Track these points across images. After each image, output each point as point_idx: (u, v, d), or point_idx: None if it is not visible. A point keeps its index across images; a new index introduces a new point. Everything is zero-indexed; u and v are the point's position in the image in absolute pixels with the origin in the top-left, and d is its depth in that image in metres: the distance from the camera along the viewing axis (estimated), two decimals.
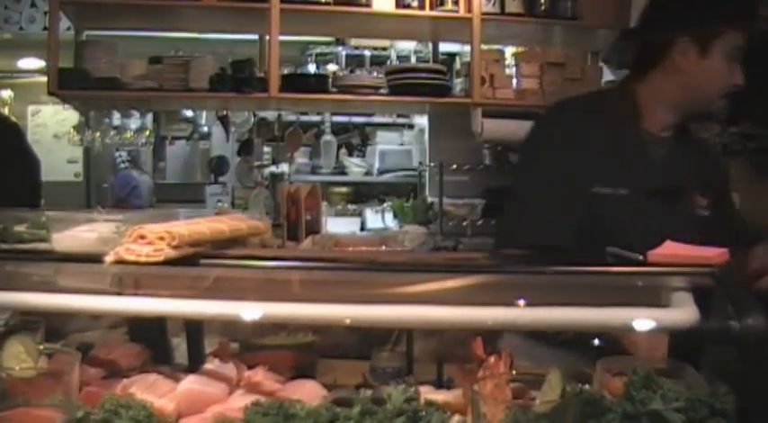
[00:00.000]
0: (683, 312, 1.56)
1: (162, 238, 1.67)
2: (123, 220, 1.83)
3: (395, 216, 7.02)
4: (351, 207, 8.52)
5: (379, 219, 7.73)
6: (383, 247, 4.95)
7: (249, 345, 2.30)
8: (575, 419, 1.29)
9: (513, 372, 1.57)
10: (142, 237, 1.68)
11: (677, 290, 1.64)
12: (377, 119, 9.02)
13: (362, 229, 7.70)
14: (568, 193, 2.49)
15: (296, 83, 5.34)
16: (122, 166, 8.51)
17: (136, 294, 1.79)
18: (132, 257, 1.65)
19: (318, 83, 5.42)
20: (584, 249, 2.31)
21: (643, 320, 1.58)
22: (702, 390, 1.60)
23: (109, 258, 1.66)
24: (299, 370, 2.08)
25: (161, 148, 9.29)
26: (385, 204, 7.92)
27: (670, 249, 1.74)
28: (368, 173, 8.91)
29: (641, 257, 1.73)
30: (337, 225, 6.89)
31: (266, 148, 8.10)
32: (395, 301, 1.63)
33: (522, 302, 1.62)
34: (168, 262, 1.66)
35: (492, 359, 1.62)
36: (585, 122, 2.61)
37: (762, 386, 1.44)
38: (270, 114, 7.53)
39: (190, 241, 1.72)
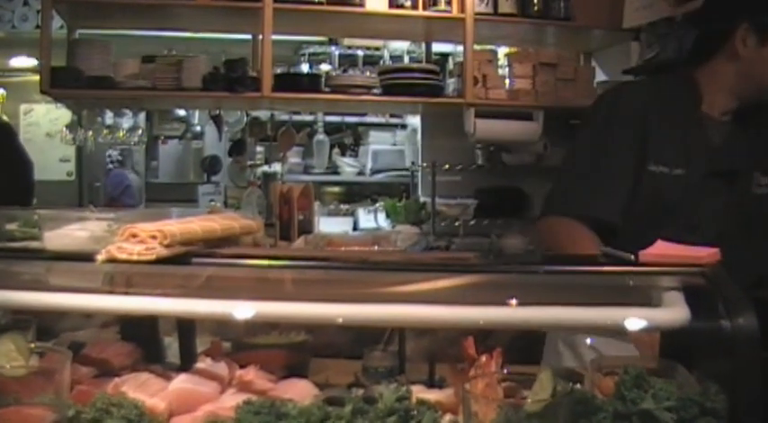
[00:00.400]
0: (674, 312, 1.56)
1: (154, 237, 1.67)
2: (115, 219, 1.83)
3: (387, 216, 7.02)
4: (343, 207, 8.52)
5: (371, 218, 7.73)
6: (376, 247, 4.96)
7: (241, 344, 2.30)
8: (566, 418, 1.29)
9: (505, 371, 1.57)
10: (134, 235, 1.68)
11: (668, 289, 1.65)
12: (370, 119, 9.01)
13: (355, 228, 7.70)
14: (624, 169, 2.57)
15: (289, 82, 5.33)
16: (110, 166, 8.50)
17: (127, 293, 1.79)
18: (124, 256, 1.65)
19: (311, 82, 5.42)
20: (639, 227, 2.37)
21: (634, 320, 1.58)
22: (693, 389, 1.61)
23: (100, 257, 1.66)
24: (291, 369, 2.08)
25: (153, 147, 9.27)
26: (377, 204, 7.92)
27: (661, 249, 1.75)
28: (360, 173, 8.91)
29: (632, 257, 1.73)
30: (330, 225, 6.89)
31: (259, 148, 8.09)
32: (387, 301, 1.62)
33: (513, 302, 1.62)
34: (160, 261, 1.66)
35: (483, 358, 1.62)
36: (647, 103, 2.66)
37: (752, 385, 1.44)
38: (263, 114, 7.53)
39: (182, 240, 1.72)
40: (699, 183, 2.54)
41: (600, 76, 6.09)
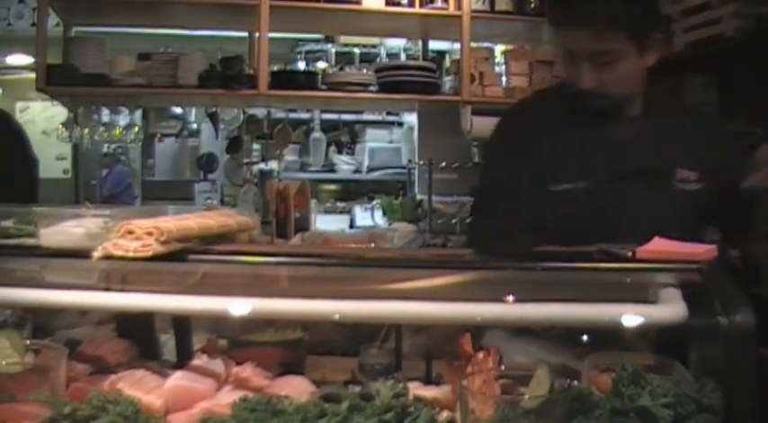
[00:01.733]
0: (671, 308, 1.56)
1: (150, 234, 1.67)
2: (111, 216, 1.82)
3: (384, 214, 7.02)
4: (340, 204, 8.53)
5: (368, 216, 7.73)
6: (372, 245, 4.96)
7: (237, 341, 2.29)
8: (563, 414, 1.29)
9: (502, 367, 1.57)
10: (130, 232, 1.67)
11: (665, 286, 1.65)
12: (366, 116, 9.01)
13: (351, 226, 7.70)
14: (526, 189, 2.58)
15: (285, 80, 5.33)
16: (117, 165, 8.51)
17: (124, 290, 1.78)
18: (120, 253, 1.65)
19: (308, 80, 5.41)
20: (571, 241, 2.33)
21: (631, 316, 1.58)
22: (690, 385, 1.61)
23: (96, 254, 1.65)
24: (288, 366, 2.08)
25: (150, 145, 9.26)
26: (374, 202, 7.92)
27: (658, 246, 1.75)
28: (357, 170, 8.90)
29: (629, 254, 1.73)
30: (326, 223, 6.89)
31: (255, 146, 8.09)
32: (383, 298, 1.62)
33: (510, 298, 1.62)
34: (156, 257, 1.66)
35: (480, 355, 1.62)
36: (533, 125, 2.66)
37: (748, 382, 1.44)
38: (259, 111, 7.52)
39: (178, 237, 1.72)
40: (609, 188, 2.51)
41: None
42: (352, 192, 9.07)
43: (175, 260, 1.71)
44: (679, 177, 2.51)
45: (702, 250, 1.69)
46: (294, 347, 2.28)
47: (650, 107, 2.60)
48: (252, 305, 1.66)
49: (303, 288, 1.88)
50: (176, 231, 1.71)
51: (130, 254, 1.64)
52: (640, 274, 1.72)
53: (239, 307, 1.67)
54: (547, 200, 2.53)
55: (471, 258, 1.80)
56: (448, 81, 5.63)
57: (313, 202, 7.22)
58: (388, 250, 2.13)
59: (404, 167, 7.65)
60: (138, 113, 6.75)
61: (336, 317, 1.68)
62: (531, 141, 2.59)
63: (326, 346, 2.40)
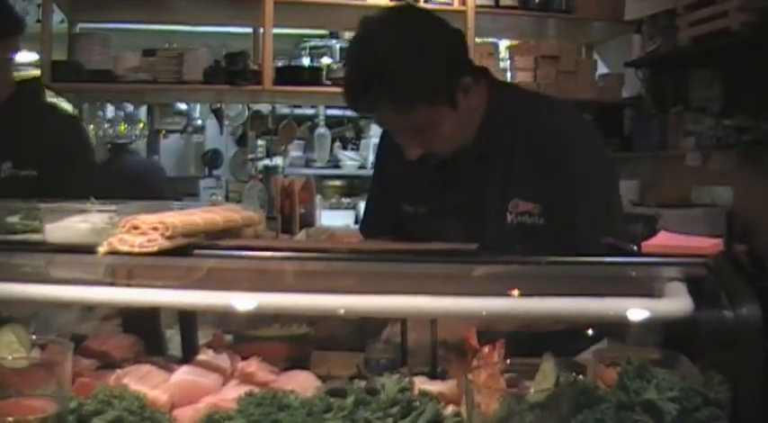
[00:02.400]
0: (677, 302, 1.55)
1: (155, 229, 1.67)
2: (117, 211, 1.82)
3: None
4: (345, 200, 8.52)
5: None
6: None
7: (243, 336, 2.29)
8: (569, 408, 1.28)
9: (507, 361, 1.56)
10: (135, 227, 1.67)
11: (671, 280, 1.64)
12: None
13: (356, 222, 7.69)
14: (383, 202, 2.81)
15: (290, 76, 5.34)
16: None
17: (129, 285, 1.79)
18: (125, 248, 1.65)
19: (312, 76, 5.43)
20: None
21: (636, 311, 1.58)
22: (697, 379, 1.61)
23: (102, 249, 1.66)
24: (293, 361, 2.07)
25: (155, 141, 9.25)
26: None
27: (664, 240, 1.74)
28: (362, 166, 8.89)
29: (635, 248, 1.73)
30: (331, 218, 6.89)
31: (260, 142, 8.08)
32: (388, 291, 1.62)
33: (515, 293, 1.62)
34: (162, 253, 1.66)
35: (486, 349, 1.61)
36: (389, 146, 2.66)
37: (755, 376, 1.43)
38: (264, 107, 7.53)
39: (183, 232, 1.72)
40: (442, 218, 2.54)
41: (602, 69, 6.10)
42: (357, 187, 9.05)
43: (181, 255, 1.71)
44: (517, 210, 2.44)
45: (709, 244, 1.69)
46: (300, 342, 2.28)
47: (486, 143, 2.51)
48: (257, 300, 1.67)
49: (308, 282, 1.88)
50: (182, 226, 1.71)
51: (136, 249, 1.64)
52: (646, 268, 1.72)
53: (244, 302, 1.68)
54: (400, 217, 2.68)
55: (476, 252, 1.79)
56: None
57: (318, 198, 7.22)
58: (392, 244, 2.12)
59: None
60: (143, 109, 6.76)
61: (342, 311, 1.68)
62: (394, 157, 2.60)
63: (332, 341, 2.40)
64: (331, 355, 2.32)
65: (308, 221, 5.34)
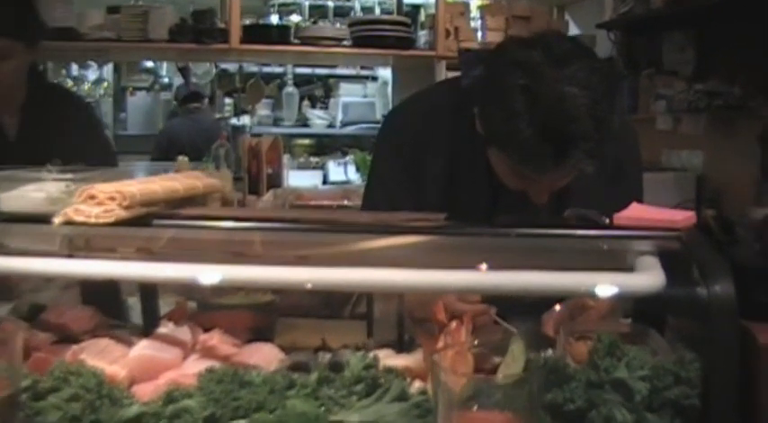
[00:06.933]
0: (648, 277, 1.52)
1: (112, 199, 1.61)
2: (73, 179, 1.76)
3: (357, 169, 6.98)
4: (313, 159, 8.49)
5: (341, 171, 7.71)
6: (345, 202, 4.91)
7: (206, 304, 2.24)
8: (537, 391, 1.25)
9: (476, 342, 1.53)
10: (92, 197, 1.62)
11: (643, 254, 1.61)
12: (340, 71, 8.96)
13: (325, 182, 7.67)
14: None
15: (257, 34, 5.25)
16: None
17: (87, 256, 1.73)
18: (81, 218, 1.59)
19: (280, 34, 5.34)
20: None
21: (608, 285, 1.54)
22: (667, 354, 1.58)
23: (57, 220, 1.60)
24: (258, 330, 2.04)
25: (122, 98, 9.15)
26: (348, 157, 7.88)
27: (637, 212, 1.70)
28: (331, 125, 8.87)
29: (606, 220, 1.69)
30: (299, 178, 6.84)
31: (228, 100, 8.01)
32: (354, 264, 1.57)
33: (483, 266, 1.57)
34: (119, 223, 1.60)
35: (453, 324, 1.58)
36: (419, 136, 2.38)
37: (728, 353, 1.40)
38: (231, 65, 7.44)
39: (142, 201, 1.66)
40: None
41: (573, 30, 6.06)
42: (327, 146, 9.04)
43: (139, 225, 1.66)
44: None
45: (682, 217, 1.65)
46: (265, 310, 2.23)
47: None
48: (218, 273, 1.61)
49: (271, 253, 1.84)
50: (140, 196, 1.66)
51: (92, 220, 1.58)
52: (618, 241, 1.68)
53: (204, 274, 1.62)
54: None
55: (445, 224, 1.75)
56: (423, 36, 5.55)
57: (286, 157, 7.16)
58: (359, 214, 2.07)
59: (378, 122, 7.58)
60: (108, 68, 6.65)
61: (305, 285, 1.62)
62: (435, 159, 2.31)
63: (298, 308, 2.36)
64: (297, 322, 2.28)
65: (275, 182, 5.30)
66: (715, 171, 4.95)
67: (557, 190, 2.10)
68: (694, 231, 1.63)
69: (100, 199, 1.61)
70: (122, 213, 1.61)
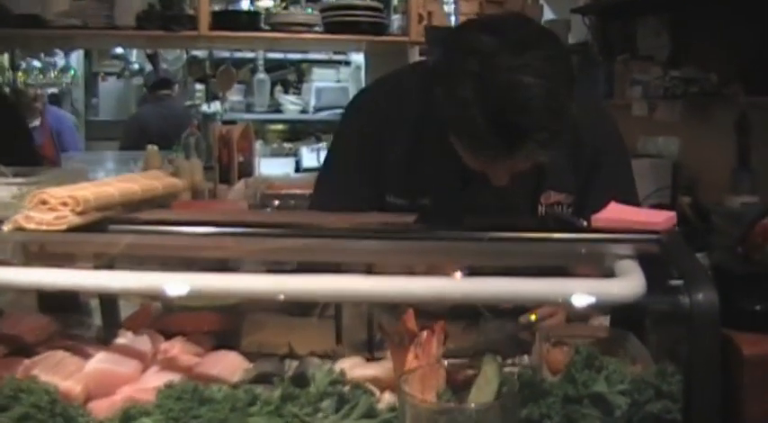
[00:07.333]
0: (628, 284, 1.44)
1: (65, 204, 1.53)
2: (26, 183, 1.68)
3: None
4: (287, 145, 8.43)
5: (314, 158, 7.64)
6: None
7: (171, 306, 2.17)
8: (512, 416, 1.17)
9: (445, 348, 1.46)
10: (43, 202, 1.54)
11: (622, 258, 1.54)
12: (313, 55, 8.88)
13: (298, 168, 7.60)
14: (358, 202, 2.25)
15: (227, 20, 5.15)
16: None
17: (39, 265, 1.65)
18: (32, 226, 1.51)
19: (250, 20, 5.25)
20: None
21: (585, 293, 1.47)
22: (647, 365, 1.52)
23: (6, 227, 1.51)
24: (225, 332, 1.98)
25: (93, 84, 9.04)
26: (321, 143, 7.81)
27: (615, 213, 1.64)
28: (304, 111, 8.80)
29: (584, 222, 1.62)
30: (272, 166, 6.78)
31: (198, 86, 7.91)
32: (320, 270, 1.49)
33: (457, 275, 1.51)
34: (72, 229, 1.52)
35: (425, 334, 1.50)
36: (383, 119, 2.32)
37: (710, 362, 1.34)
38: (202, 52, 7.34)
39: (97, 205, 1.59)
40: (451, 214, 2.17)
41: (548, 15, 6.00)
42: (300, 132, 8.97)
43: (94, 231, 1.58)
44: (548, 202, 2.21)
45: (662, 219, 1.58)
46: (231, 312, 2.17)
47: None
48: (177, 281, 1.52)
49: (234, 261, 1.77)
50: (94, 200, 1.58)
51: (44, 227, 1.51)
52: (596, 244, 1.61)
53: (162, 283, 1.54)
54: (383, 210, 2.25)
55: (417, 228, 1.68)
56: (396, 20, 5.47)
57: (259, 144, 7.08)
58: (328, 217, 1.99)
59: None
60: (75, 55, 6.54)
61: (281, 297, 1.54)
62: (390, 142, 2.26)
63: (267, 305, 2.29)
64: (265, 319, 2.22)
65: (247, 170, 5.22)
66: (691, 158, 4.91)
67: (532, 172, 2.04)
68: (675, 234, 1.56)
69: (52, 204, 1.53)
70: (76, 219, 1.53)
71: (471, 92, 1.79)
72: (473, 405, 1.12)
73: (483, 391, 1.15)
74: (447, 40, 2.02)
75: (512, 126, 1.79)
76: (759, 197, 3.98)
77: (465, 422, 1.08)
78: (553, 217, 1.78)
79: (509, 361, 1.77)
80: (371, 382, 1.58)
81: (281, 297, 1.51)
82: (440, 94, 1.90)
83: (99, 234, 1.60)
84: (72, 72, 5.56)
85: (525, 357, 1.78)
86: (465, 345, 1.88)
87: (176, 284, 1.53)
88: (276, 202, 4.58)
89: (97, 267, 1.67)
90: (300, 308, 2.24)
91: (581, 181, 2.21)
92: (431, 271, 1.68)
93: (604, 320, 1.90)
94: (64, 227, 1.51)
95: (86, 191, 1.59)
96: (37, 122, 7.11)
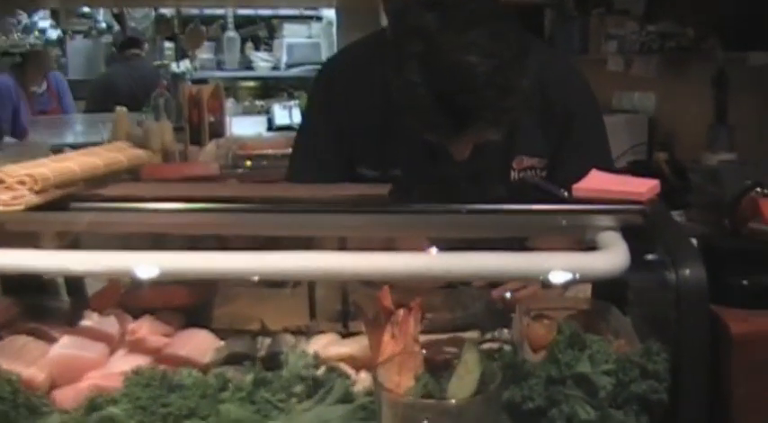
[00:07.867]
0: (611, 257, 1.40)
1: (22, 183, 1.47)
2: None
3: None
4: (258, 103, 8.31)
5: (287, 115, 7.54)
6: (289, 150, 4.75)
7: (139, 281, 2.10)
8: (494, 408, 1.12)
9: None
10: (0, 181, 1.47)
11: (605, 230, 1.49)
12: (283, 11, 8.74)
13: (270, 127, 7.50)
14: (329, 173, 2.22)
15: None
16: None
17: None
18: None
19: None
20: None
21: (568, 266, 1.41)
22: (631, 340, 1.47)
23: None
24: (195, 306, 1.91)
25: (62, 43, 8.88)
26: (293, 100, 7.72)
27: (596, 182, 1.58)
28: (275, 67, 8.68)
29: (565, 193, 1.56)
30: (243, 125, 6.68)
31: (168, 44, 7.76)
32: (290, 247, 1.44)
33: (433, 250, 1.45)
34: (31, 209, 1.45)
35: (401, 313, 1.44)
36: (350, 83, 2.29)
37: (697, 345, 1.29)
38: (169, 10, 7.20)
39: (56, 183, 1.52)
40: (423, 186, 2.12)
41: None
42: (272, 88, 8.85)
43: (55, 209, 1.51)
44: (521, 167, 2.15)
45: (646, 188, 1.53)
46: (203, 285, 2.10)
47: None
48: (143, 260, 1.46)
49: (201, 238, 1.71)
50: (54, 177, 1.51)
51: (0, 208, 1.44)
52: (578, 216, 1.56)
53: (127, 263, 1.47)
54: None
55: (388, 200, 1.61)
56: None
57: (230, 102, 6.97)
58: (298, 188, 1.93)
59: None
60: (40, 16, 6.39)
61: (256, 278, 1.48)
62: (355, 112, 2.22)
63: (237, 281, 2.23)
64: (237, 291, 2.15)
65: (218, 131, 5.14)
66: (667, 114, 4.87)
67: (502, 139, 1.95)
68: (660, 204, 1.51)
69: (8, 183, 1.47)
70: (34, 199, 1.47)
71: (417, 73, 1.75)
72: (453, 401, 1.07)
73: (464, 380, 1.09)
74: (393, 18, 1.98)
75: (458, 106, 1.74)
76: (736, 154, 3.94)
77: (446, 417, 1.02)
78: (530, 185, 1.72)
79: (488, 335, 1.72)
80: (347, 361, 1.54)
81: (255, 278, 1.46)
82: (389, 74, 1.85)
83: (60, 212, 1.54)
84: (36, 33, 5.44)
85: (505, 331, 1.72)
86: (443, 316, 1.83)
87: (143, 265, 1.46)
88: (248, 163, 4.51)
89: (60, 247, 1.60)
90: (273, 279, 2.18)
91: (553, 144, 2.16)
92: (407, 245, 1.63)
93: (585, 288, 1.85)
94: (21, 207, 1.45)
95: (45, 168, 1.53)
96: (44, 88, 7.00)
